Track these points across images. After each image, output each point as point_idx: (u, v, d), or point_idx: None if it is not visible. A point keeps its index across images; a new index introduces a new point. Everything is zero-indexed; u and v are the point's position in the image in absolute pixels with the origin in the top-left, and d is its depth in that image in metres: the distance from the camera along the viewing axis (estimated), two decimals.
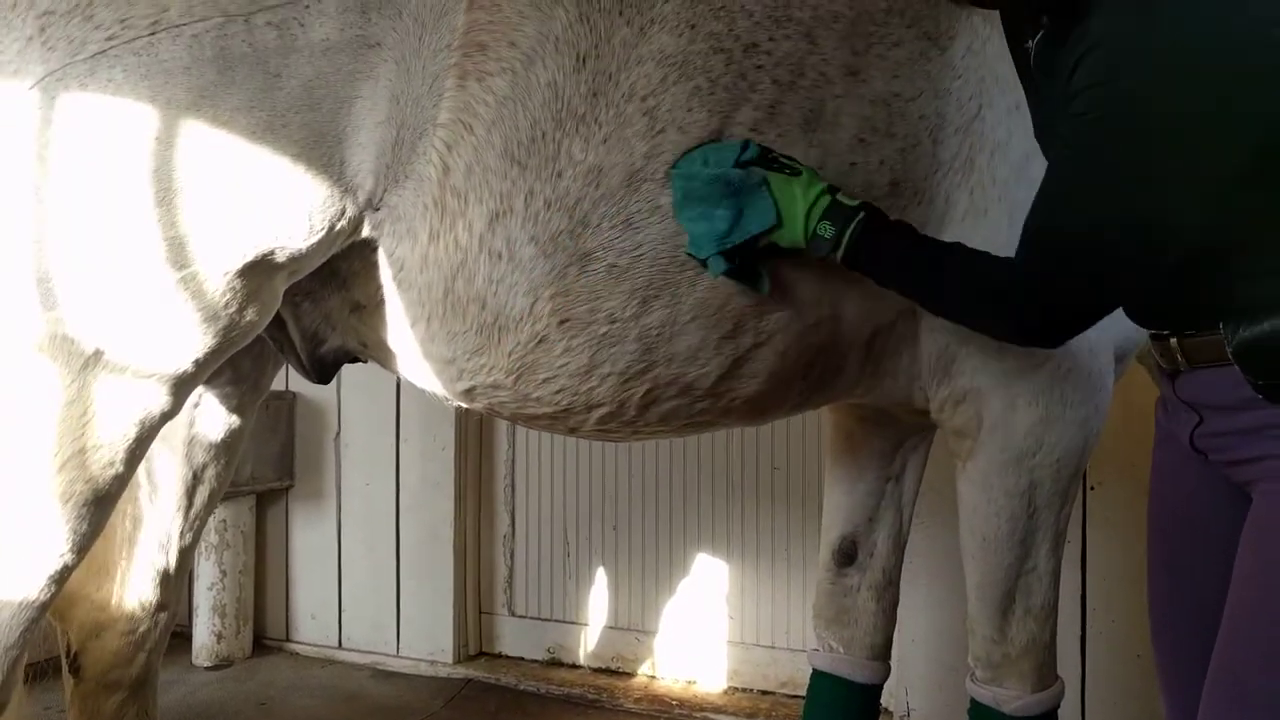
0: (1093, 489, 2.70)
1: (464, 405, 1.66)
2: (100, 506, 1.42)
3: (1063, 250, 1.19)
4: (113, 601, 1.87)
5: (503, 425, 3.61)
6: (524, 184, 1.43)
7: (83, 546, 1.43)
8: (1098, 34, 1.09)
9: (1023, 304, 1.25)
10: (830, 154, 1.51)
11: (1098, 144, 1.13)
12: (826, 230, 1.38)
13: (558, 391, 1.54)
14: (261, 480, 3.57)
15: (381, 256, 1.50)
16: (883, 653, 2.04)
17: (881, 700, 2.09)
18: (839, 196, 1.40)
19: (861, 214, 1.37)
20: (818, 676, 2.04)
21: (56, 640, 1.89)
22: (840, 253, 1.38)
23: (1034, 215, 1.24)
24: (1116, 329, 1.52)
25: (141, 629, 1.88)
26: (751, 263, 1.47)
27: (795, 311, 1.56)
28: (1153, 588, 1.36)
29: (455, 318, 1.49)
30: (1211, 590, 1.20)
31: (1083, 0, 1.14)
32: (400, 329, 1.56)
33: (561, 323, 1.49)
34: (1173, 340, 1.20)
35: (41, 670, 1.94)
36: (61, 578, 1.42)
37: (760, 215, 1.42)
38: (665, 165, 1.46)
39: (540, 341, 1.50)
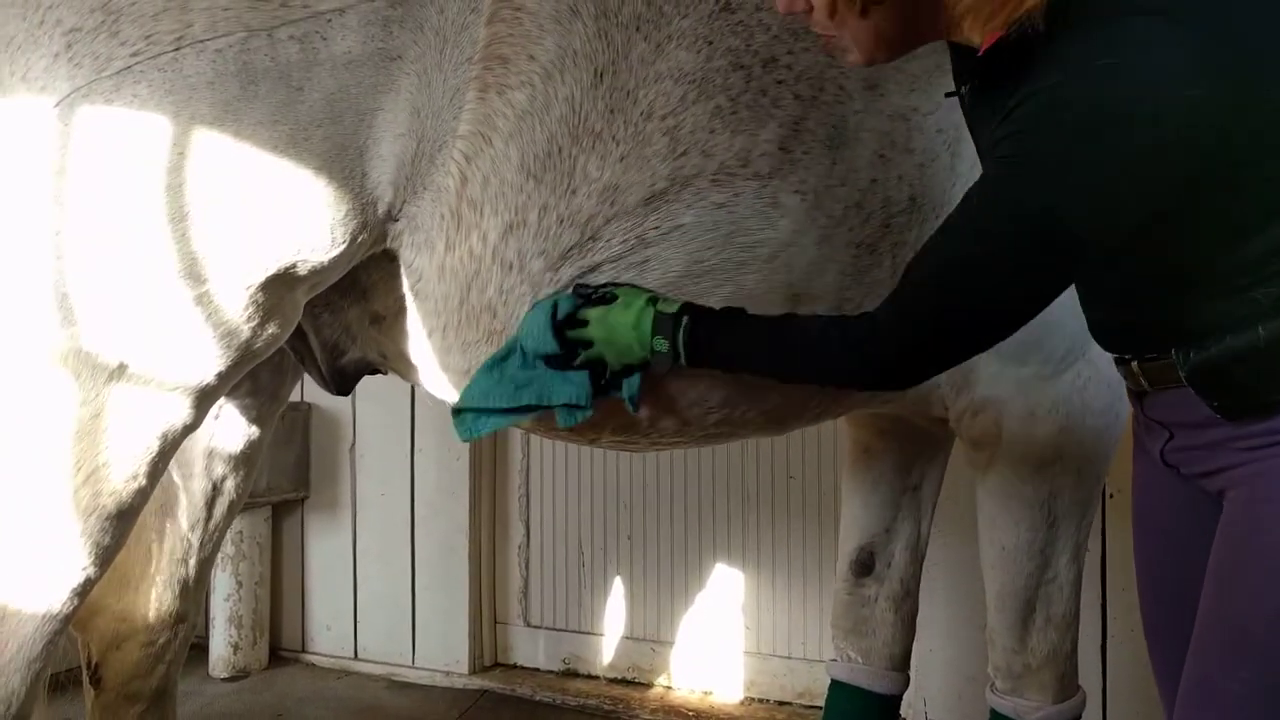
0: (1111, 497, 2.68)
1: None
2: (122, 519, 1.43)
3: (963, 289, 1.14)
4: (133, 612, 1.88)
5: (517, 435, 3.62)
6: (538, 198, 1.43)
7: (105, 559, 1.44)
8: (1022, 94, 1.08)
9: (883, 346, 1.20)
10: (851, 171, 1.51)
11: (1004, 181, 1.10)
12: (662, 345, 1.36)
13: None
14: (277, 491, 3.58)
15: (401, 267, 1.50)
16: (902, 663, 2.03)
17: (899, 712, 2.08)
18: (659, 306, 1.38)
19: (685, 318, 1.35)
20: (836, 687, 2.03)
21: (77, 651, 1.90)
22: (683, 360, 1.36)
23: (933, 255, 1.19)
24: None
25: (161, 640, 1.89)
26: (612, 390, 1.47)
27: None
28: (1141, 596, 1.38)
29: (469, 327, 1.49)
30: (1192, 597, 1.21)
31: (1005, 72, 1.13)
32: (419, 340, 1.56)
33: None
34: (1134, 364, 1.21)
35: (62, 683, 1.94)
36: (84, 590, 1.43)
37: (560, 390, 1.45)
38: (689, 187, 1.45)
39: None
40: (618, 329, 1.39)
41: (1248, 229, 1.07)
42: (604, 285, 1.45)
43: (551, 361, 1.44)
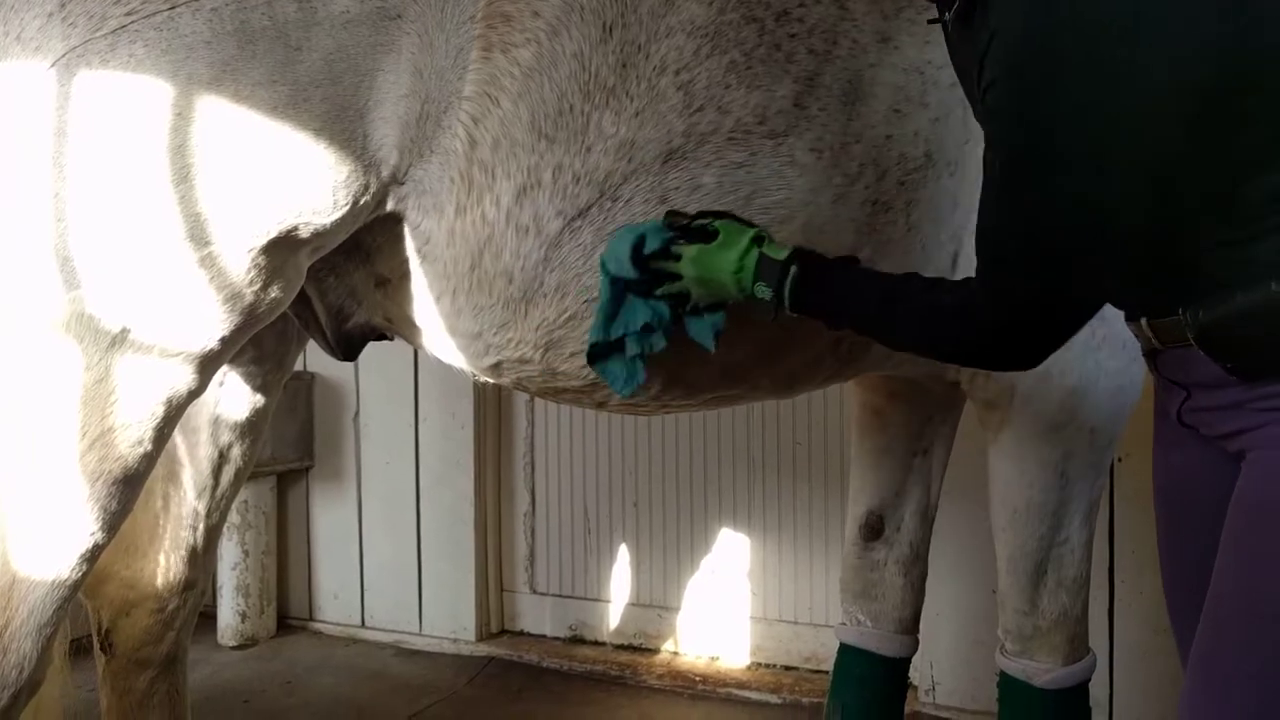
0: (1120, 460, 2.67)
1: (491, 380, 1.65)
2: (129, 485, 1.43)
3: (1012, 257, 1.12)
4: (142, 579, 1.89)
5: (522, 402, 3.61)
6: (552, 157, 1.41)
7: (113, 525, 1.44)
8: (994, 24, 1.04)
9: (986, 321, 1.16)
10: (867, 127, 1.48)
11: (1016, 142, 1.07)
12: (764, 292, 1.29)
13: (584, 365, 1.53)
14: (282, 461, 3.59)
15: (407, 230, 1.49)
16: (910, 626, 2.03)
17: (907, 676, 2.09)
18: (765, 249, 1.31)
19: (794, 267, 1.29)
20: (845, 651, 2.04)
21: (90, 618, 1.90)
22: (786, 309, 1.30)
23: (979, 228, 1.17)
24: None
25: (170, 607, 1.89)
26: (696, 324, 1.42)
27: None
28: (1161, 554, 1.36)
29: (482, 292, 1.48)
30: (1212, 559, 1.20)
31: None
32: (426, 304, 1.55)
33: (589, 300, 1.47)
34: (1143, 321, 1.16)
35: (84, 647, 1.95)
36: (92, 556, 1.43)
37: (637, 315, 1.39)
38: (706, 145, 1.42)
39: (569, 317, 1.48)
40: (716, 268, 1.33)
41: (1254, 169, 1.01)
42: (701, 214, 1.38)
43: (632, 286, 1.37)
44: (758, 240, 1.33)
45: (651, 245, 1.35)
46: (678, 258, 1.36)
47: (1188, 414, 1.20)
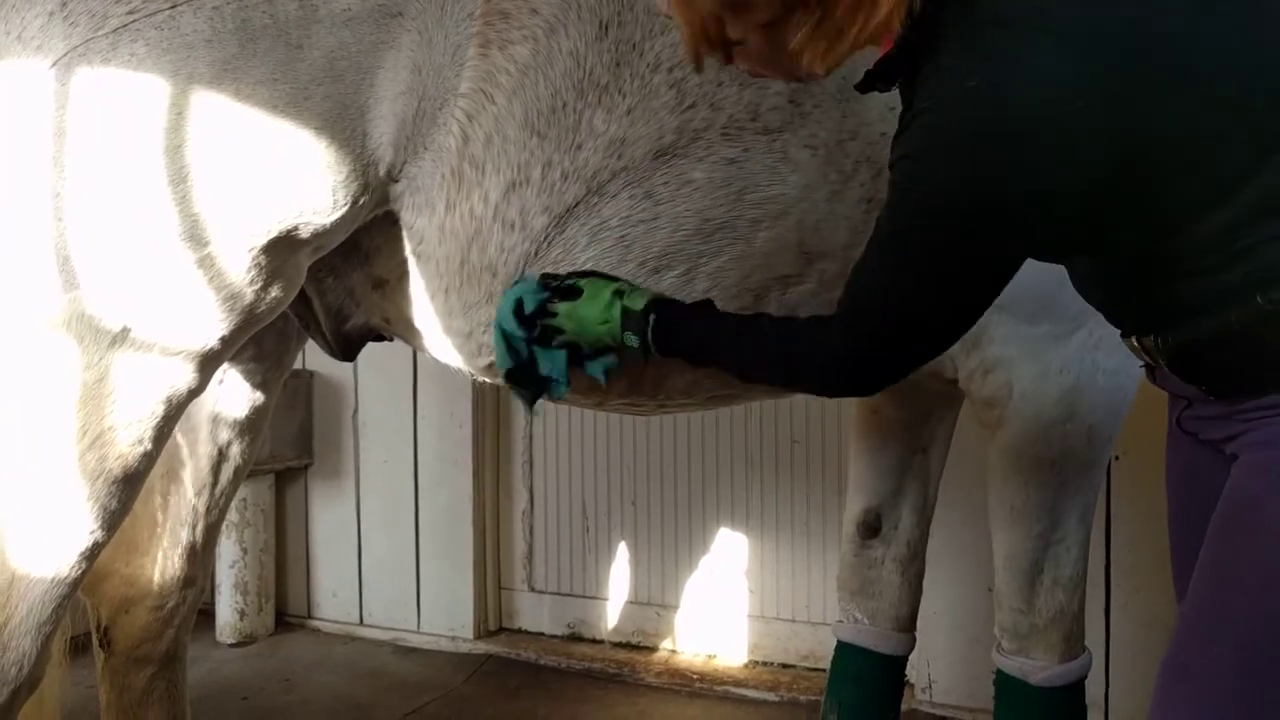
0: (1117, 459, 2.68)
1: (488, 380, 1.65)
2: (129, 484, 1.43)
3: (880, 311, 1.16)
4: (141, 577, 1.89)
5: (520, 401, 3.60)
6: (542, 154, 1.42)
7: (112, 523, 1.44)
8: (919, 106, 1.07)
9: (837, 355, 1.21)
10: (862, 124, 1.49)
11: (895, 222, 1.11)
12: (632, 340, 1.37)
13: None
14: (280, 459, 3.59)
15: (402, 230, 1.49)
16: (907, 625, 2.03)
17: (904, 673, 2.09)
18: (625, 301, 1.38)
19: (652, 316, 1.35)
20: (842, 648, 2.04)
21: (89, 616, 1.91)
22: (652, 355, 1.37)
23: (856, 270, 1.20)
24: None
25: (170, 604, 1.90)
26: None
27: (820, 284, 1.54)
28: (1173, 552, 1.37)
29: (471, 289, 1.48)
30: None
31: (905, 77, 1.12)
32: (422, 304, 1.55)
33: None
34: (1133, 339, 1.18)
35: (82, 645, 1.96)
36: (92, 554, 1.44)
37: (546, 364, 1.47)
38: (698, 141, 1.43)
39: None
40: (587, 323, 1.39)
41: (1192, 214, 1.03)
42: (568, 276, 1.44)
43: (530, 341, 1.44)
44: (618, 294, 1.39)
45: (529, 305, 1.42)
46: (554, 314, 1.42)
47: (1186, 421, 1.22)
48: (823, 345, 1.22)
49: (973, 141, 1.01)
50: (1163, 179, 1.02)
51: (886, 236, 1.13)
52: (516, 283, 1.47)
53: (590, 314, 1.39)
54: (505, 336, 1.44)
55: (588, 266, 1.48)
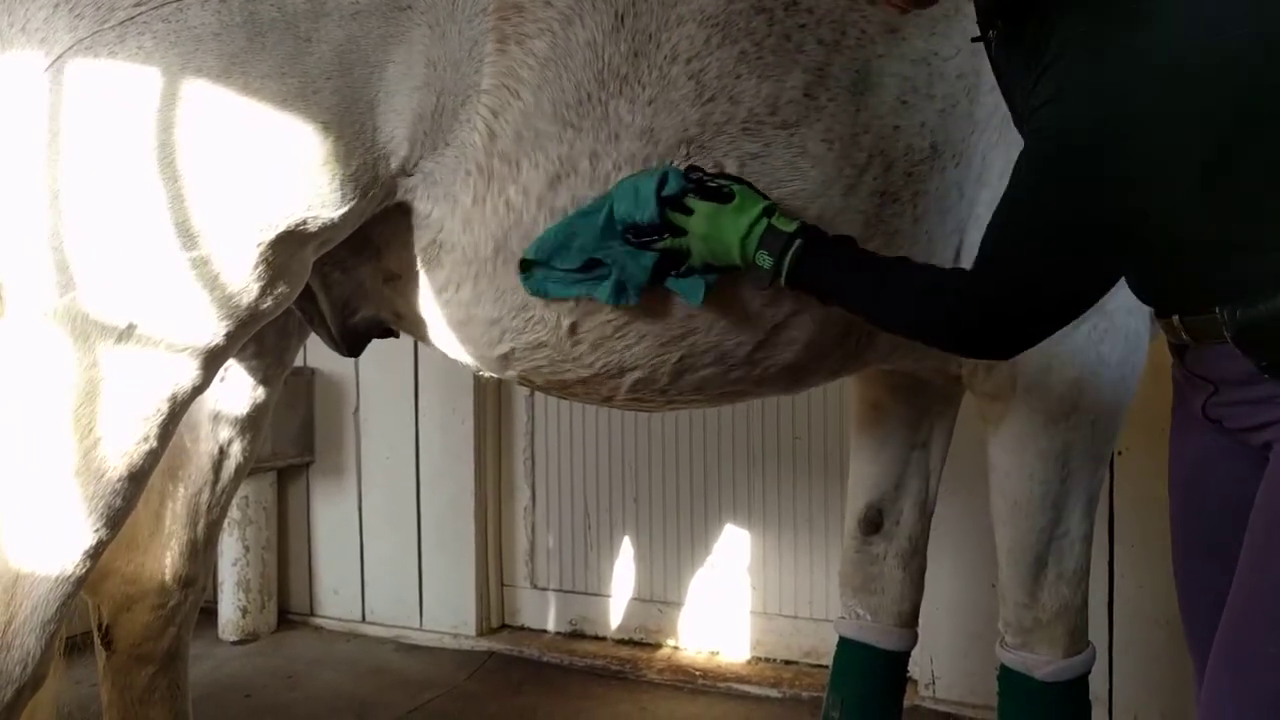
0: (1120, 454, 2.68)
1: (496, 374, 1.65)
2: (134, 481, 1.43)
3: (1021, 262, 1.16)
4: (143, 575, 1.88)
5: (522, 397, 3.61)
6: (583, 146, 1.41)
7: (116, 521, 1.44)
8: (1057, 48, 1.08)
9: (981, 309, 1.19)
10: (875, 117, 1.49)
11: (1049, 169, 1.11)
12: (765, 260, 1.33)
13: (596, 347, 1.53)
14: (282, 456, 3.59)
15: (417, 221, 1.48)
16: (910, 620, 2.04)
17: (906, 669, 2.09)
18: (775, 221, 1.34)
19: (799, 241, 1.32)
20: (844, 644, 2.04)
21: (89, 614, 1.90)
22: (782, 280, 1.33)
23: (994, 226, 1.20)
24: None
25: (171, 602, 1.89)
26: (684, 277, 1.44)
27: None
28: (1174, 545, 1.38)
29: (507, 274, 1.47)
30: (1225, 549, 1.21)
31: (1034, 12, 1.13)
32: (440, 294, 1.54)
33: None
34: (1174, 318, 1.20)
35: (79, 645, 1.95)
36: (96, 552, 1.43)
37: (626, 264, 1.41)
38: (721, 135, 1.43)
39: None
40: (726, 231, 1.35)
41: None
42: (720, 175, 1.40)
43: (635, 233, 1.39)
44: (768, 211, 1.35)
45: (671, 188, 1.36)
46: (689, 211, 1.38)
47: (1212, 408, 1.22)
48: (967, 301, 1.19)
49: (1118, 80, 1.02)
50: (1256, 157, 1.05)
51: (1028, 185, 1.13)
52: (648, 169, 1.41)
53: (734, 223, 1.35)
54: (610, 218, 1.38)
55: None
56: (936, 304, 1.22)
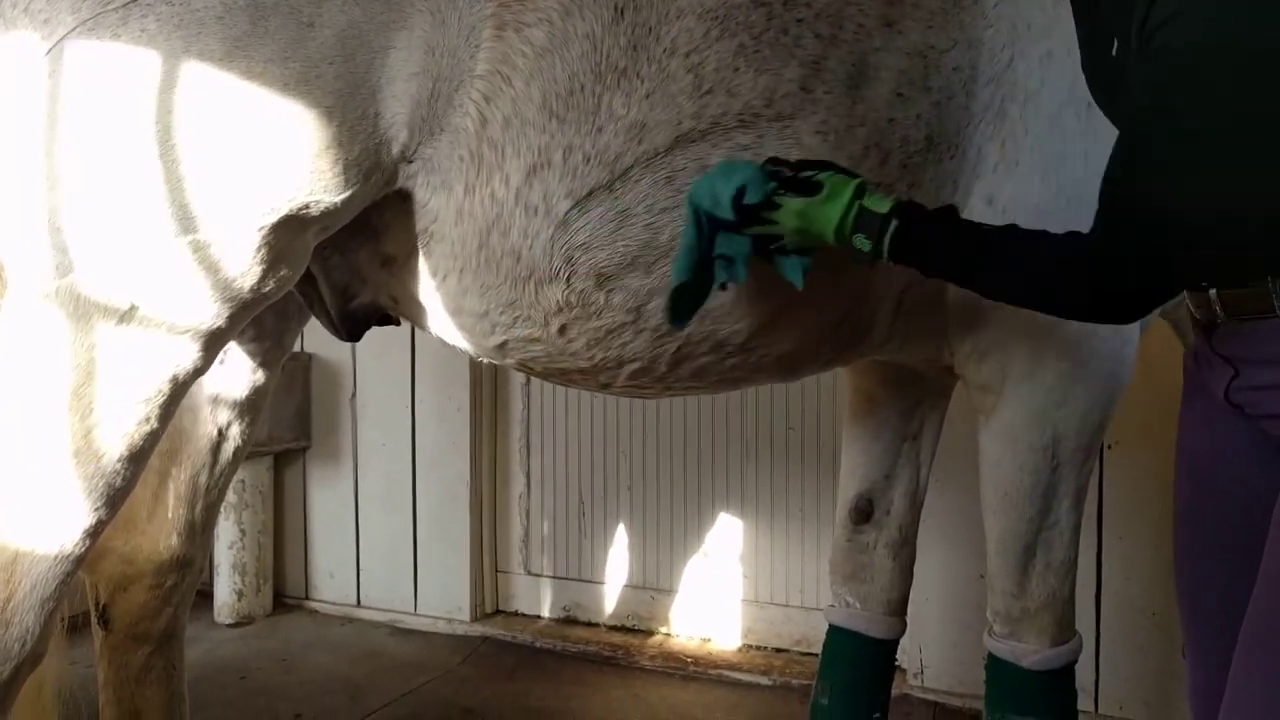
0: (1110, 448, 2.70)
1: (495, 361, 1.66)
2: (133, 462, 1.44)
3: (1148, 212, 1.08)
4: (140, 555, 1.89)
5: (518, 385, 3.63)
6: (562, 138, 1.42)
7: (116, 501, 1.45)
8: None
9: (1100, 274, 1.12)
10: (871, 110, 1.50)
11: (1186, 88, 1.04)
12: (862, 244, 1.29)
13: (591, 345, 1.54)
14: (279, 441, 3.60)
15: (415, 209, 1.49)
16: (899, 609, 2.05)
17: (895, 657, 2.11)
18: (867, 203, 1.30)
19: (895, 221, 1.27)
20: (834, 632, 2.06)
21: (86, 594, 1.92)
22: (885, 259, 1.30)
23: (1111, 178, 1.13)
24: None
25: (168, 583, 1.90)
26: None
27: (829, 268, 1.55)
28: (1177, 536, 1.36)
29: (489, 271, 1.48)
30: (1234, 542, 1.20)
31: None
32: (432, 283, 1.55)
33: (598, 276, 1.48)
34: (1212, 292, 1.15)
35: (79, 625, 1.97)
36: (95, 532, 1.44)
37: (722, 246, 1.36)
38: (716, 125, 1.43)
39: (576, 295, 1.50)
40: (819, 223, 1.31)
41: None
42: (803, 163, 1.36)
43: (720, 225, 1.35)
44: (859, 192, 1.32)
45: (753, 197, 1.32)
46: (777, 207, 1.34)
47: (1236, 392, 1.19)
48: (1086, 265, 1.13)
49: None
50: None
51: (1146, 118, 1.08)
52: (726, 163, 1.37)
53: (828, 214, 1.30)
54: (699, 220, 1.33)
55: (621, 247, 1.46)
56: (1055, 273, 1.16)
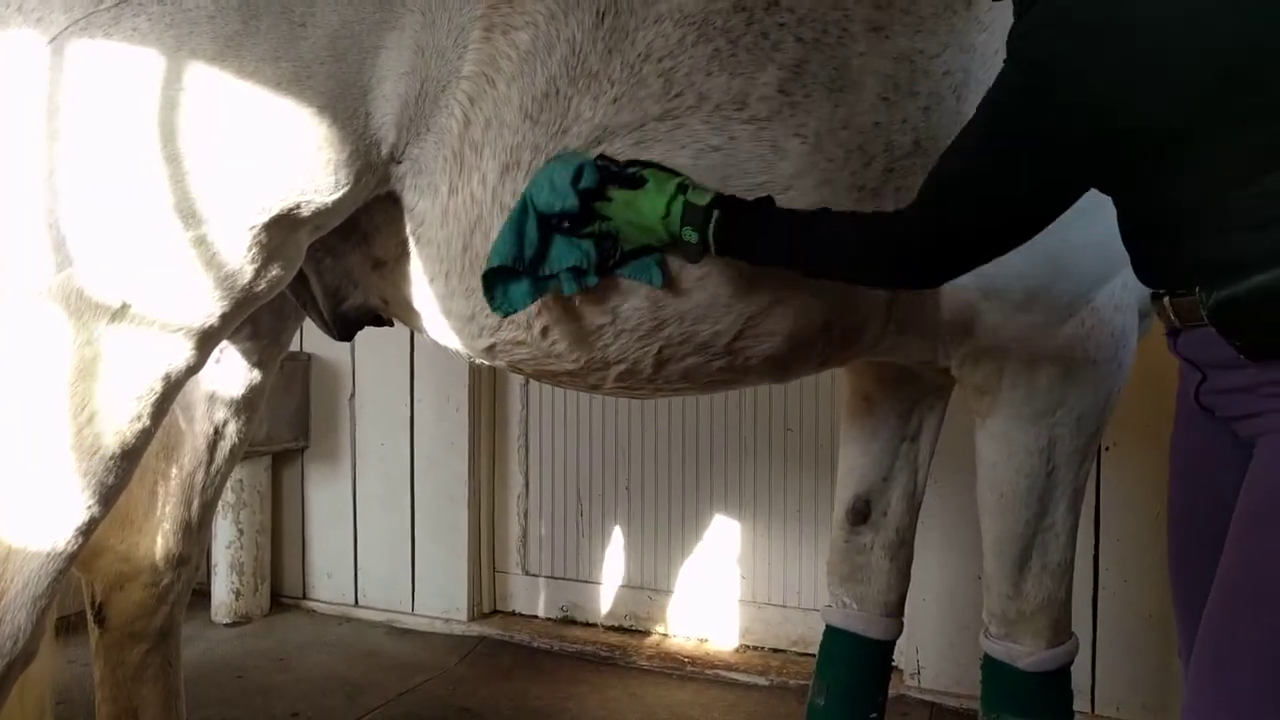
0: (1107, 449, 2.70)
1: (486, 362, 1.66)
2: (126, 460, 1.44)
3: (960, 188, 1.21)
4: (136, 554, 1.90)
5: (516, 385, 3.63)
6: (532, 139, 1.43)
7: (109, 499, 1.45)
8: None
9: (916, 244, 1.24)
10: (854, 113, 1.50)
11: (996, 98, 1.17)
12: (691, 235, 1.36)
13: (573, 347, 1.54)
14: (277, 440, 3.60)
15: (404, 211, 1.49)
16: (896, 610, 2.05)
17: (892, 658, 2.11)
18: (689, 196, 1.37)
19: (716, 211, 1.35)
20: (831, 632, 2.06)
21: (82, 592, 1.92)
22: (711, 251, 1.38)
23: (946, 165, 1.25)
24: (1141, 286, 1.51)
25: (164, 581, 1.91)
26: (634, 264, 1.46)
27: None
28: (1171, 536, 1.37)
29: (474, 274, 1.49)
30: (1220, 539, 1.21)
31: None
32: (422, 286, 1.56)
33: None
34: (1166, 299, 1.20)
35: (72, 625, 1.97)
36: (88, 529, 1.44)
37: (566, 255, 1.42)
38: (682, 128, 1.45)
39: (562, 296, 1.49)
40: (645, 214, 1.38)
41: (1268, 160, 1.06)
42: (631, 163, 1.42)
43: (563, 221, 1.40)
44: (682, 188, 1.39)
45: (588, 181, 1.38)
46: (609, 200, 1.41)
47: (1204, 395, 1.22)
48: (896, 229, 1.25)
49: (1091, 18, 1.07)
50: (1254, 117, 1.06)
51: (984, 115, 1.19)
52: (558, 157, 1.43)
53: (651, 206, 1.38)
54: (534, 218, 1.39)
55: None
56: (865, 241, 1.29)
